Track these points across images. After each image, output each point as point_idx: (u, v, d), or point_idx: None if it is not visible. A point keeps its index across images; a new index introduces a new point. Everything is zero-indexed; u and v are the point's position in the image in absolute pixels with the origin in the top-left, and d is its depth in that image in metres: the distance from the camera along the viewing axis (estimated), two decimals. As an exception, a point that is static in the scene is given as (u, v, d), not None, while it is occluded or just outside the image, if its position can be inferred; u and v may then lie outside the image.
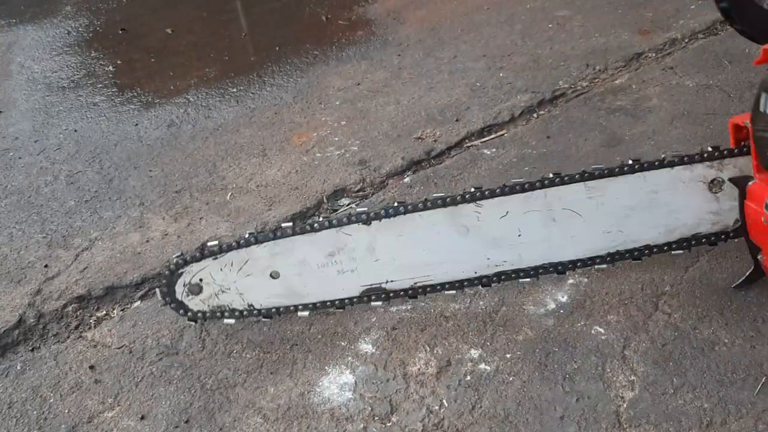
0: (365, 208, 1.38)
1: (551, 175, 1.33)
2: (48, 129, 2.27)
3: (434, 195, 1.34)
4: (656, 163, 1.33)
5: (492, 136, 1.95)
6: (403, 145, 1.95)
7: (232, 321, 1.40)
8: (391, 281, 1.37)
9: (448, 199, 1.32)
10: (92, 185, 1.95)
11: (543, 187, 1.32)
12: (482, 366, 1.31)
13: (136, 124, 2.21)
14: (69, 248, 1.73)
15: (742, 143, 1.33)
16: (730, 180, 1.33)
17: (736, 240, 1.37)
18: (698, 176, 1.33)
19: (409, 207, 1.33)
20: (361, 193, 1.82)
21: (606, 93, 2.07)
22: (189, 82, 2.46)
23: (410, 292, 1.38)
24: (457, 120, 2.02)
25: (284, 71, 2.44)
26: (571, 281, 1.46)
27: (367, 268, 1.35)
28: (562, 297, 1.43)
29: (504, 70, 2.25)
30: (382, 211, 1.34)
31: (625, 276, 1.46)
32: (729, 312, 1.34)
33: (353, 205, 1.78)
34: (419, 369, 1.32)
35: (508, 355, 1.33)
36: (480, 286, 1.39)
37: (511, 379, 1.28)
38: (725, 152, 1.32)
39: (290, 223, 1.36)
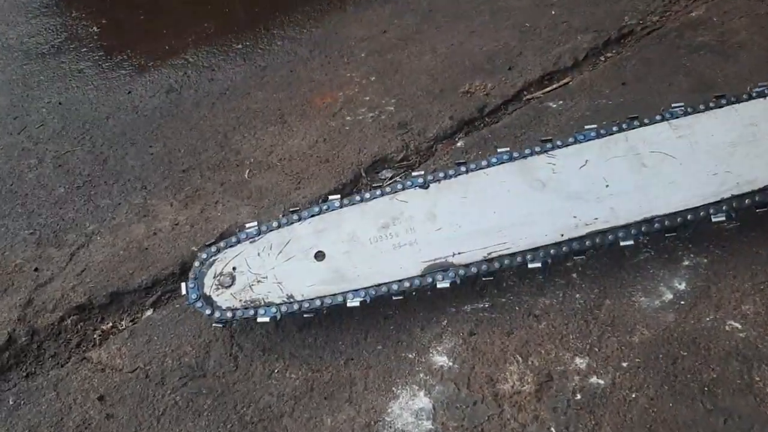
0: (421, 172, 1.23)
1: (628, 118, 1.25)
2: (29, 103, 1.97)
3: (500, 149, 1.24)
4: (744, 96, 1.24)
5: (555, 86, 1.65)
6: (449, 101, 1.64)
7: (266, 320, 1.14)
8: (459, 253, 1.14)
9: (515, 153, 1.23)
10: (84, 167, 1.66)
11: (621, 130, 1.23)
12: (594, 380, 1.04)
13: (129, 92, 1.91)
14: (62, 246, 1.45)
15: None
16: None
17: None
18: None
19: (472, 165, 1.22)
20: (405, 162, 1.53)
21: (683, 28, 1.75)
22: (186, 40, 2.13)
23: (484, 266, 1.14)
24: (509, 68, 1.71)
25: (295, 21, 2.11)
26: (686, 263, 1.18)
27: (428, 239, 1.17)
28: (680, 284, 1.15)
29: (555, 6, 1.92)
30: (441, 173, 1.23)
31: (753, 252, 1.18)
32: None
33: (397, 179, 1.49)
34: (513, 387, 1.05)
35: (624, 364, 1.05)
36: (571, 255, 1.15)
37: (633, 395, 1.01)
38: None
39: (338, 196, 1.24)
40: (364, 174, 1.50)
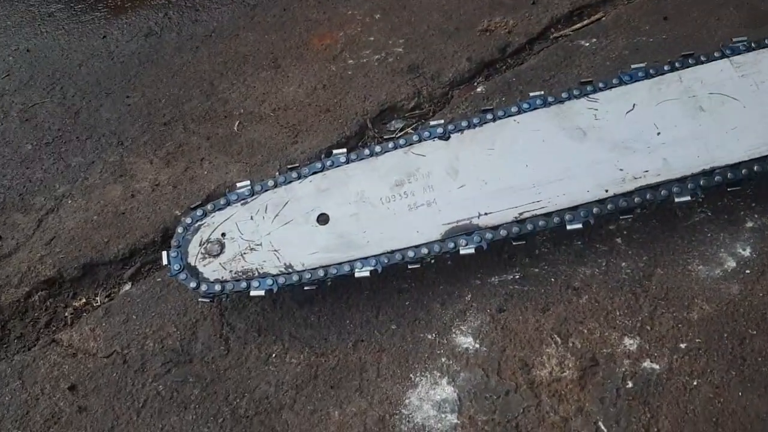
0: (441, 121, 1.10)
1: (681, 55, 1.12)
2: (-7, 51, 1.79)
3: (532, 93, 1.11)
4: None
5: (586, 22, 1.47)
6: (466, 41, 1.46)
7: (261, 293, 1.01)
8: (485, 214, 1.03)
9: (550, 97, 1.10)
10: (54, 121, 1.52)
11: (674, 69, 1.10)
12: (647, 364, 0.90)
13: (104, 37, 1.74)
14: (28, 211, 1.31)
15: None
16: None
17: None
18: None
19: (500, 112, 1.10)
20: (417, 111, 1.36)
21: (731, -47, 1.54)
22: (167, -23, 1.92)
23: (514, 228, 1.02)
24: (533, 2, 1.53)
25: (288, -45, 1.89)
26: (750, 224, 1.03)
27: (449, 198, 1.05)
28: (743, 249, 1.00)
29: (582, -68, 1.71)
30: (464, 121, 1.10)
31: (828, 212, 1.01)
32: None
33: (409, 130, 1.31)
34: (551, 373, 0.91)
35: (682, 345, 0.91)
36: (617, 215, 1.02)
37: (695, 383, 0.87)
38: None
39: (343, 150, 1.11)
40: (370, 125, 1.34)
